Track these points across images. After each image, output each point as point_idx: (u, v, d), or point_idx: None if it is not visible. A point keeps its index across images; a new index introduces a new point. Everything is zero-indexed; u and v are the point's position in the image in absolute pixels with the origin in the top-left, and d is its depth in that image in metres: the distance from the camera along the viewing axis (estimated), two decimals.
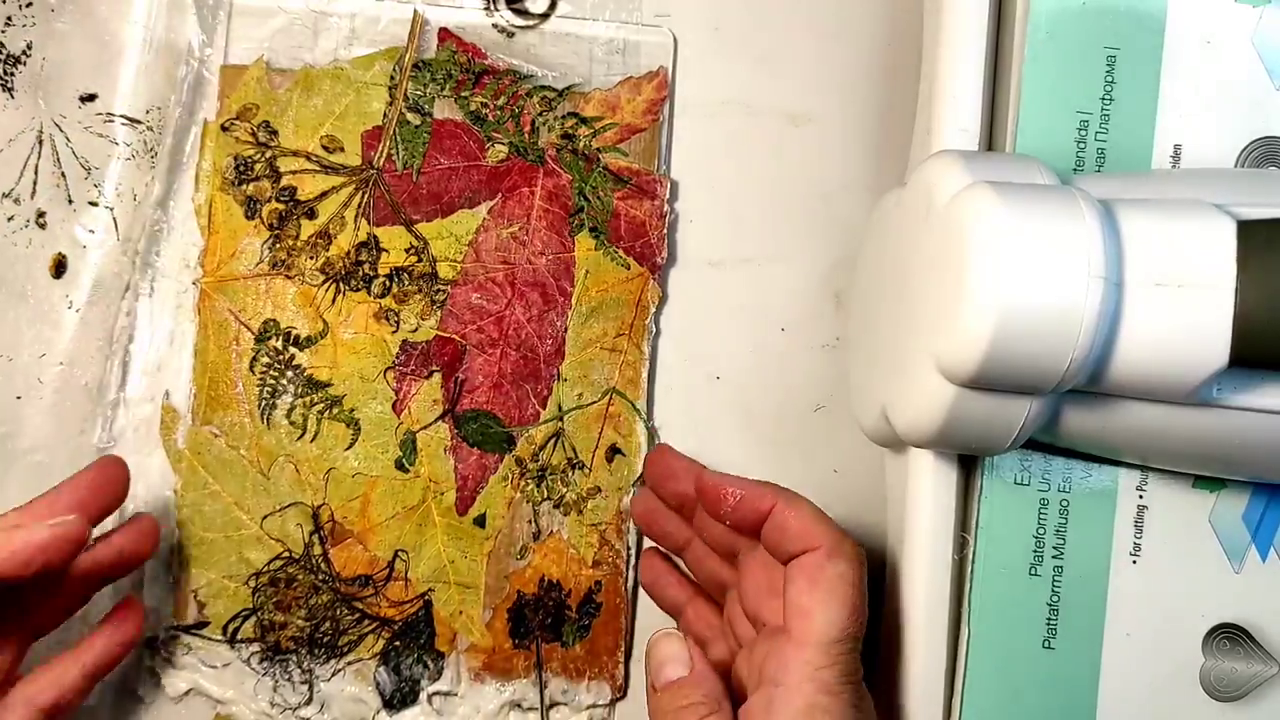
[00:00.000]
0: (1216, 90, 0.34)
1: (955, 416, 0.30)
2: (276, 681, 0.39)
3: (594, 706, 0.40)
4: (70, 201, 0.39)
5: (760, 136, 0.42)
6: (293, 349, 0.39)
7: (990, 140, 0.36)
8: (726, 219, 0.42)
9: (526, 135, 0.40)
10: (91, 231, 0.39)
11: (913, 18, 0.40)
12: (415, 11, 0.40)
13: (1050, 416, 0.31)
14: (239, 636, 0.39)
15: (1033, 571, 0.34)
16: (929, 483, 0.35)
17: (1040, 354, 0.28)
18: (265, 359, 0.39)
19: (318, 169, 0.39)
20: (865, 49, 0.42)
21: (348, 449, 0.39)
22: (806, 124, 0.42)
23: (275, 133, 0.39)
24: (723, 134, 0.42)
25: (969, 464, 0.35)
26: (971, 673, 0.34)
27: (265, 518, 0.39)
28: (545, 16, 0.40)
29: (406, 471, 0.39)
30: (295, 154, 0.39)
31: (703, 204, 0.42)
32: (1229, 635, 0.34)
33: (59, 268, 0.39)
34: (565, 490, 0.40)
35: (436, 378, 0.39)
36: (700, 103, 0.42)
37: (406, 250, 0.39)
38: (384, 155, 0.39)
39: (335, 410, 0.39)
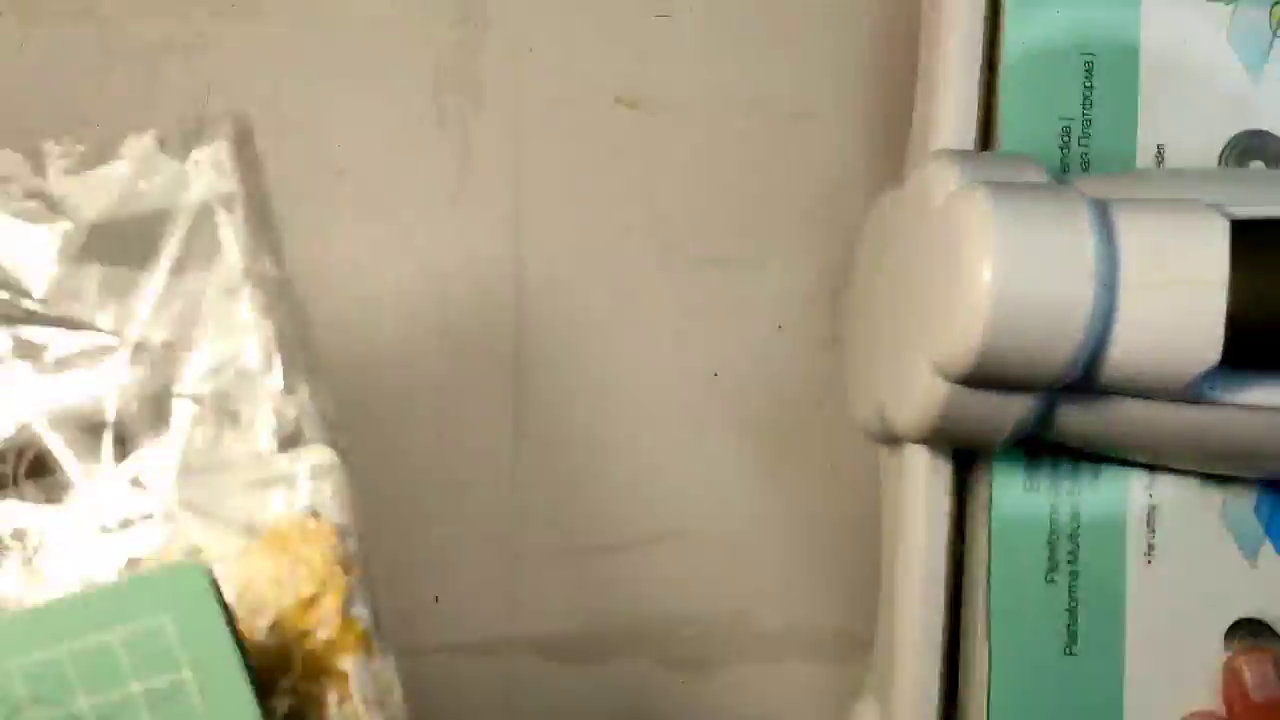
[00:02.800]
0: (1196, 89, 0.35)
1: (950, 413, 0.31)
2: None
3: None
4: None
5: (758, 134, 0.42)
6: None
7: (986, 140, 0.36)
8: (723, 216, 0.42)
9: None
10: None
11: (911, 14, 0.40)
12: None
13: (1045, 413, 0.31)
14: None
15: (1049, 579, 0.34)
16: (924, 478, 0.35)
17: (1034, 352, 0.28)
18: None
19: None
20: (864, 46, 0.42)
21: None
22: (804, 121, 0.42)
23: None
24: (721, 131, 0.42)
25: (965, 460, 0.35)
26: (996, 685, 0.34)
27: None
28: None
29: None
30: None
31: (700, 201, 0.42)
32: (1250, 629, 0.34)
33: None
34: None
35: None
36: (698, 99, 0.42)
37: None
38: None
39: None
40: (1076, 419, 0.32)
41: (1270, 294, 0.28)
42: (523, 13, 0.42)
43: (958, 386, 0.30)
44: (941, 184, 0.31)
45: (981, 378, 0.29)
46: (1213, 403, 0.30)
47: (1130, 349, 0.29)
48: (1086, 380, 0.30)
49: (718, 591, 0.42)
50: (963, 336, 0.28)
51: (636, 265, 0.42)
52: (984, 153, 0.35)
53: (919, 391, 0.31)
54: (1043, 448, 0.34)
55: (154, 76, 0.42)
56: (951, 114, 0.35)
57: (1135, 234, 0.29)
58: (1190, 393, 0.29)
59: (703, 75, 0.42)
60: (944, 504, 0.35)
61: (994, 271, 0.28)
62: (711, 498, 0.42)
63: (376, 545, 0.42)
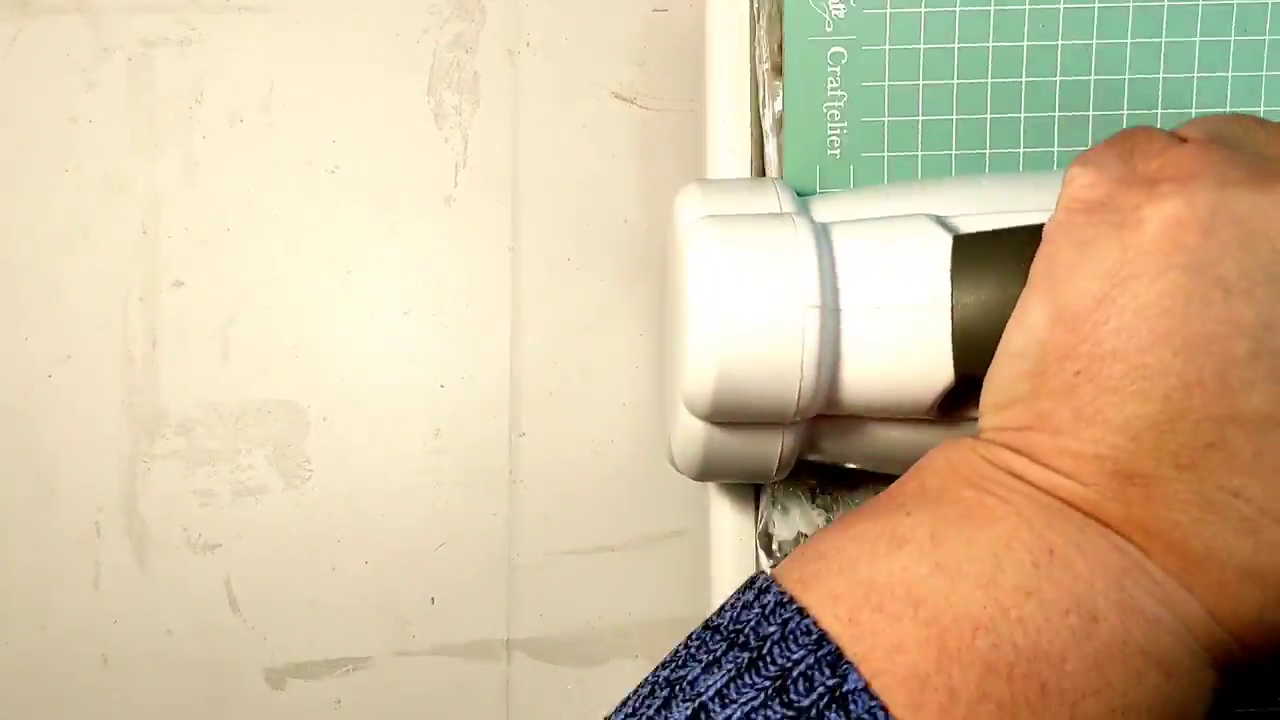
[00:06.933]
0: None
1: (713, 452, 0.30)
2: None
3: None
4: None
5: None
6: None
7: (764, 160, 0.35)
8: None
9: None
10: None
11: None
12: None
13: (809, 441, 0.30)
14: None
15: None
16: (726, 509, 0.35)
17: (769, 388, 0.28)
18: None
19: None
20: None
21: None
22: None
23: None
24: None
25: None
26: None
27: None
28: None
29: None
30: None
31: None
32: None
33: None
34: None
35: None
36: (695, 95, 0.41)
37: None
38: None
39: None
40: (840, 445, 0.31)
41: (999, 306, 0.27)
42: (519, 8, 0.42)
43: (712, 426, 0.29)
44: (686, 216, 0.30)
45: (725, 417, 0.28)
46: (963, 418, 0.29)
47: (864, 376, 0.28)
48: (834, 408, 0.29)
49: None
50: (697, 379, 0.28)
51: (635, 262, 0.42)
52: (733, 179, 0.34)
53: (684, 431, 0.30)
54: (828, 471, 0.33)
55: (148, 72, 0.42)
56: (725, 135, 0.34)
57: (857, 258, 0.28)
58: (937, 413, 0.28)
59: (700, 70, 0.41)
60: (748, 532, 0.35)
61: (719, 312, 0.27)
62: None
63: (375, 545, 0.42)
